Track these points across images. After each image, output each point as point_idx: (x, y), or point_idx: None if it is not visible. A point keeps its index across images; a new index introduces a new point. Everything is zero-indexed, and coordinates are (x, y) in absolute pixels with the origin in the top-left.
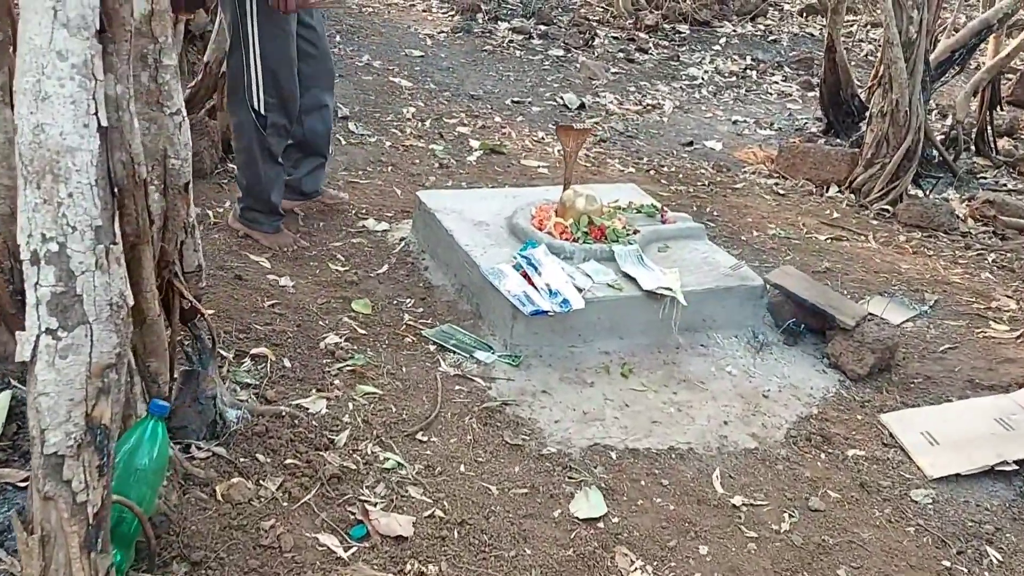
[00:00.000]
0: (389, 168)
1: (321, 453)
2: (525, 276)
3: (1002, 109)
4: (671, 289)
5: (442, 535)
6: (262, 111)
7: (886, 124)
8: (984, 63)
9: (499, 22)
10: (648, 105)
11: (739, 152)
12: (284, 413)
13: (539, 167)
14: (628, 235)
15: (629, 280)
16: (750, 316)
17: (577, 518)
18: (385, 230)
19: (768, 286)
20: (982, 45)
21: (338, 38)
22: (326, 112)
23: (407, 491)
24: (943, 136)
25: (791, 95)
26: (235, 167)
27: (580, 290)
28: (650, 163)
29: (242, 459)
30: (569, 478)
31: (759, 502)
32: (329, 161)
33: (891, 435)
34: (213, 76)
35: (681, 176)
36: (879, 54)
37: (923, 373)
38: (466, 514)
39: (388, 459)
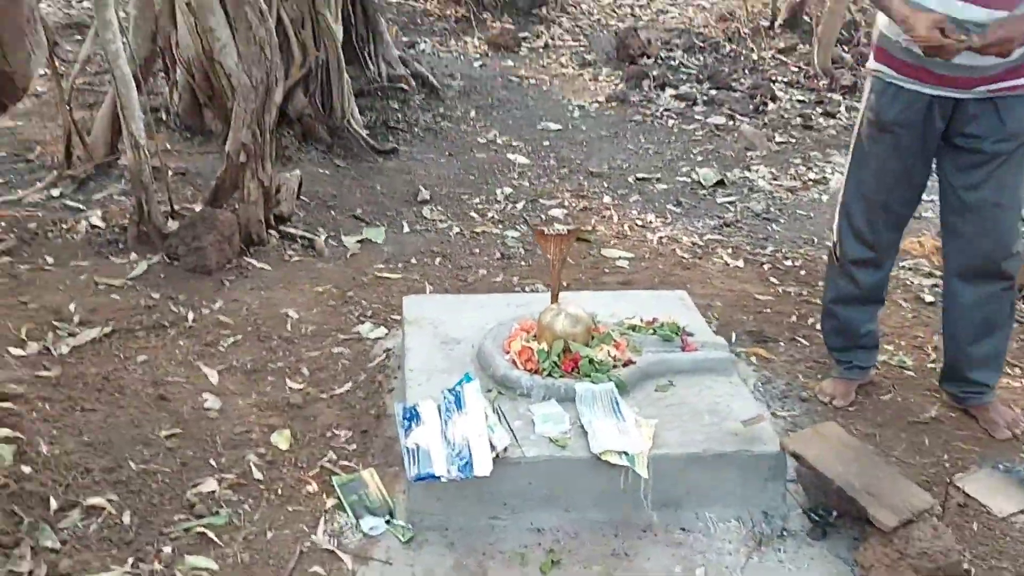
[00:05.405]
0: (437, 259)
1: None
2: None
3: None
4: (626, 454)
5: None
6: (834, 237)
7: None
8: None
9: (665, 88)
10: (810, 181)
11: (904, 240)
12: None
13: (619, 258)
14: (610, 368)
15: (584, 434)
16: (760, 492)
17: None
18: (379, 338)
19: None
20: None
21: (473, 113)
22: (960, 300)
23: None
24: None
25: None
26: None
27: (494, 448)
28: (773, 254)
29: None
30: None
31: None
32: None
33: None
34: (235, 167)
35: (804, 273)
36: None
37: None
38: None
39: None
